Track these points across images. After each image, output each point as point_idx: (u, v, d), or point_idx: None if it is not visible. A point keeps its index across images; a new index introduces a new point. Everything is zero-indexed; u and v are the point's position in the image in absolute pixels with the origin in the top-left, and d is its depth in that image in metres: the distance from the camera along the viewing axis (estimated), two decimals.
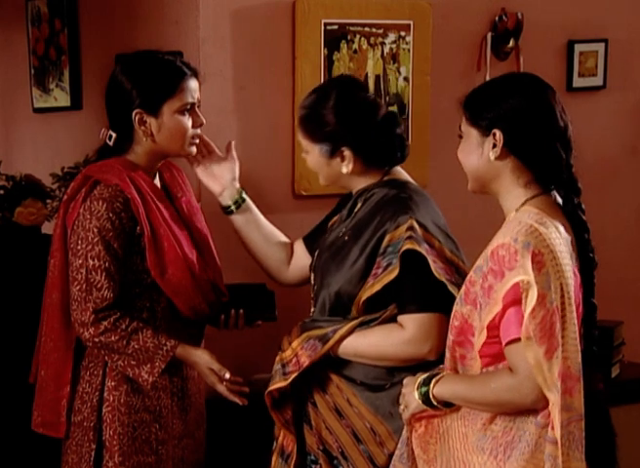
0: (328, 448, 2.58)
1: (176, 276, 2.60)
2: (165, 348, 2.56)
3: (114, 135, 2.65)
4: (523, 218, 2.12)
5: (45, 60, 4.08)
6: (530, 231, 2.08)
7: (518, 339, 2.07)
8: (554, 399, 2.05)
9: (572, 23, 3.92)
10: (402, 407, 2.31)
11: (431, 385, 2.22)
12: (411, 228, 2.44)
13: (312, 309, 2.68)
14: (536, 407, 2.10)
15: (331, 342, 2.51)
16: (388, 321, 2.51)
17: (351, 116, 2.56)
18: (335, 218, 2.74)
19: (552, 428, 2.07)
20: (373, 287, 2.48)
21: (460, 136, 2.27)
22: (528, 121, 2.15)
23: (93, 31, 3.84)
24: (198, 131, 2.70)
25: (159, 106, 2.61)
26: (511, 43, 3.77)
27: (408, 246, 2.43)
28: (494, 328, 2.11)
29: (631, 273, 4.12)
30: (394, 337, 2.48)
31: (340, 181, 2.65)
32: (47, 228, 3.48)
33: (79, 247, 2.56)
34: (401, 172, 2.67)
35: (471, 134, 2.22)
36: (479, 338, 2.14)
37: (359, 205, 2.61)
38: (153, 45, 3.34)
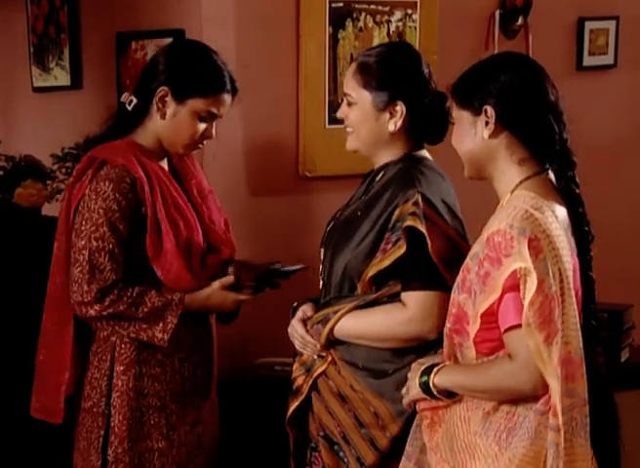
0: (329, 433, 2.55)
1: (173, 266, 2.56)
2: (174, 302, 2.56)
3: (135, 100, 2.60)
4: (518, 203, 2.09)
5: (44, 38, 4.04)
6: (525, 216, 2.05)
7: (517, 326, 2.05)
8: (555, 386, 2.03)
9: (582, 0, 3.86)
10: (404, 390, 2.31)
11: (432, 375, 2.21)
12: (415, 203, 2.43)
13: (321, 287, 2.65)
14: (534, 393, 2.08)
15: (331, 322, 2.50)
16: (388, 298, 2.48)
17: (416, 73, 2.56)
18: (353, 195, 2.71)
19: (554, 415, 2.05)
20: (381, 262, 2.45)
21: (453, 124, 2.25)
22: (518, 94, 2.14)
23: (93, 8, 3.80)
24: (204, 142, 2.64)
25: (187, 97, 2.56)
26: (520, 20, 3.74)
27: (409, 223, 2.41)
28: (491, 314, 2.09)
29: None
30: (395, 316, 2.45)
31: (373, 146, 2.58)
32: (47, 209, 3.45)
33: (83, 227, 2.53)
34: (423, 151, 2.63)
35: (463, 116, 2.20)
36: (473, 326, 2.12)
37: (376, 180, 2.59)
38: (155, 23, 3.31)
